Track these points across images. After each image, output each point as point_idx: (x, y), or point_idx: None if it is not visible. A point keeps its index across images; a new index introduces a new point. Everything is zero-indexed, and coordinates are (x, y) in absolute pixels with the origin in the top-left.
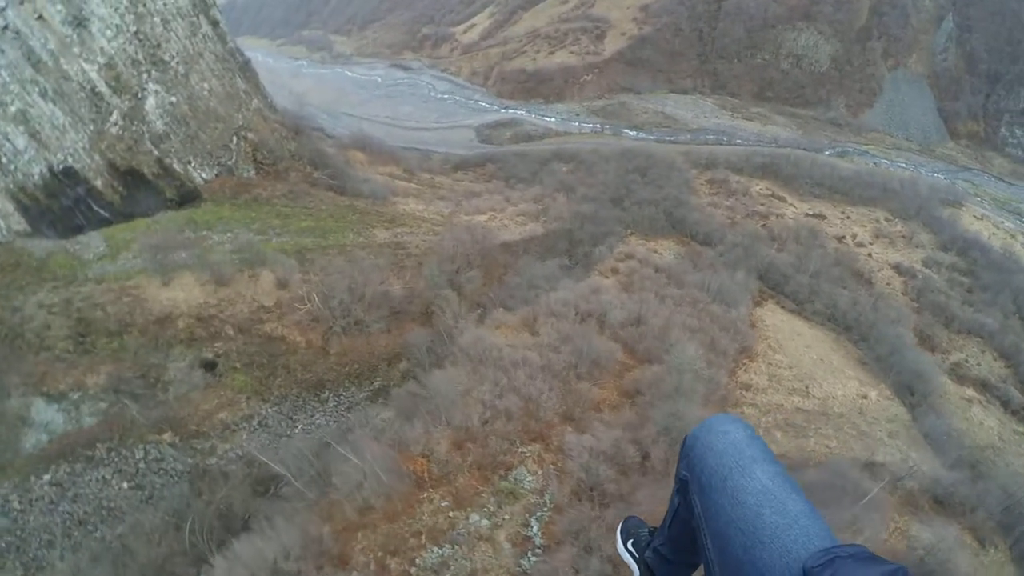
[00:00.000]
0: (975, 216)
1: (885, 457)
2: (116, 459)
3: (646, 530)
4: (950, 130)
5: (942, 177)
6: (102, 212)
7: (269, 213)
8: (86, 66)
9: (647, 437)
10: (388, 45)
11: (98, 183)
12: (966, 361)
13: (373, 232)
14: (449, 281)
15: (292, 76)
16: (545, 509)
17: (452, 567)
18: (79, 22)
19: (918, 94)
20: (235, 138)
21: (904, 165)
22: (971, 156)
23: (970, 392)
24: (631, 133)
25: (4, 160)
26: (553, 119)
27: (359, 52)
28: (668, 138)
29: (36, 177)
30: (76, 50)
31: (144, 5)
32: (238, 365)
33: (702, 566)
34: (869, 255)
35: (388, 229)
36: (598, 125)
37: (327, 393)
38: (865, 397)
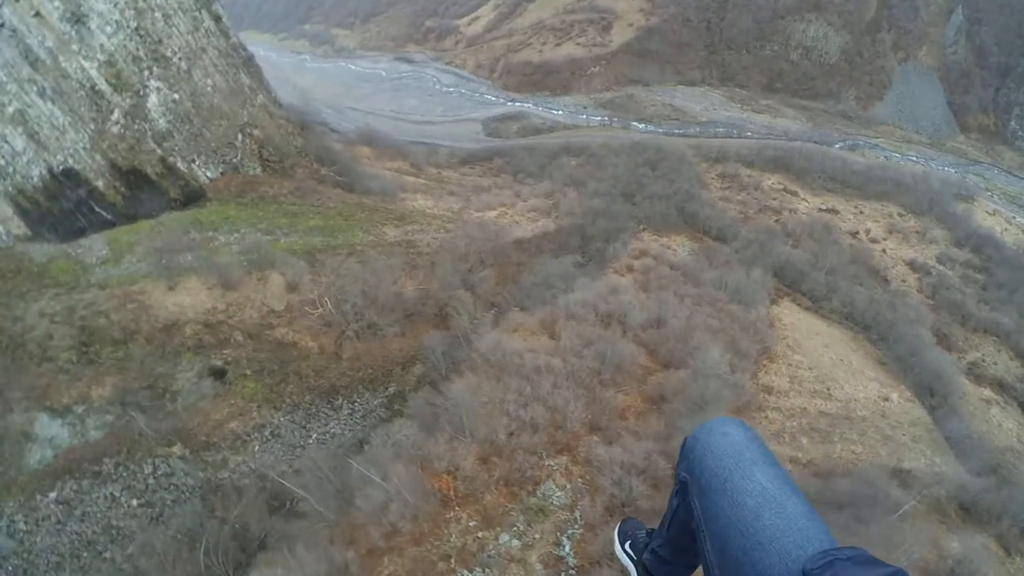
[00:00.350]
0: (987, 212)
1: (911, 463)
2: (124, 474)
3: (644, 532)
4: (960, 123)
5: (953, 171)
6: (104, 214)
7: (276, 212)
8: (85, 64)
9: (678, 449)
10: (391, 38)
11: (100, 184)
12: (982, 360)
13: (383, 230)
14: (463, 281)
15: (295, 71)
16: (576, 527)
17: None
18: (78, 19)
19: (928, 87)
20: (240, 135)
21: (915, 159)
22: (981, 150)
23: (988, 393)
24: (640, 126)
25: (2, 162)
26: (560, 112)
27: (362, 45)
28: (677, 131)
29: (36, 179)
30: (75, 47)
31: (145, 0)
32: (248, 372)
33: (700, 567)
34: (883, 251)
35: (398, 227)
36: (606, 118)
37: (341, 400)
38: (887, 399)
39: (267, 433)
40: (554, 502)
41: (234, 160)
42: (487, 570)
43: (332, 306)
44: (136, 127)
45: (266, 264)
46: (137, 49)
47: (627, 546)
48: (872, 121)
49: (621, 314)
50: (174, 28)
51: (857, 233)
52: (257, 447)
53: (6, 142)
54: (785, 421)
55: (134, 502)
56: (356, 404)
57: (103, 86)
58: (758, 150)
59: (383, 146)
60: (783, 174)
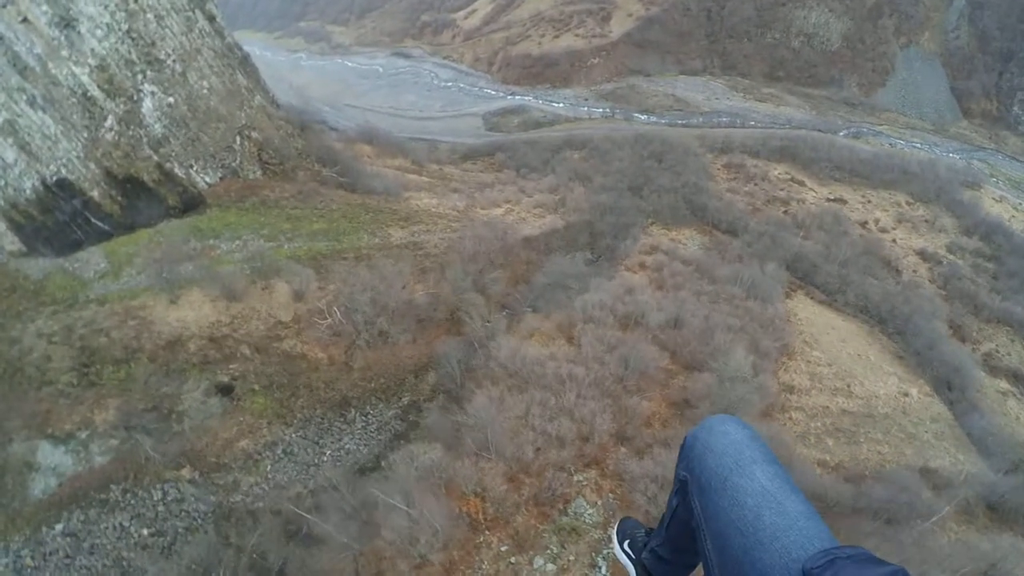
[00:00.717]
0: (994, 199)
1: (937, 462)
2: (133, 502)
3: (643, 531)
4: (963, 109)
5: (957, 157)
6: (101, 225)
7: (279, 216)
8: (76, 70)
9: None
10: (388, 33)
11: (95, 194)
12: (997, 351)
13: (388, 232)
14: (473, 283)
15: (291, 69)
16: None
17: None
18: (67, 23)
19: (930, 73)
20: (238, 138)
21: (919, 145)
22: (985, 135)
23: (1004, 385)
24: (642, 117)
25: None
26: (561, 105)
27: (358, 42)
28: (680, 121)
29: (28, 192)
30: (65, 53)
31: (136, 1)
32: (256, 387)
33: (700, 567)
34: (893, 241)
35: (404, 228)
36: (608, 110)
37: (353, 412)
38: (907, 395)
39: (279, 451)
40: (586, 520)
41: (233, 164)
42: None
43: (341, 315)
44: (131, 133)
45: (270, 272)
46: (129, 52)
47: (626, 545)
48: (875, 108)
49: (639, 315)
50: (167, 29)
51: (866, 223)
52: (269, 466)
53: None
54: (809, 422)
55: (144, 531)
56: (370, 416)
57: (95, 92)
58: (763, 140)
59: (383, 143)
60: (789, 164)
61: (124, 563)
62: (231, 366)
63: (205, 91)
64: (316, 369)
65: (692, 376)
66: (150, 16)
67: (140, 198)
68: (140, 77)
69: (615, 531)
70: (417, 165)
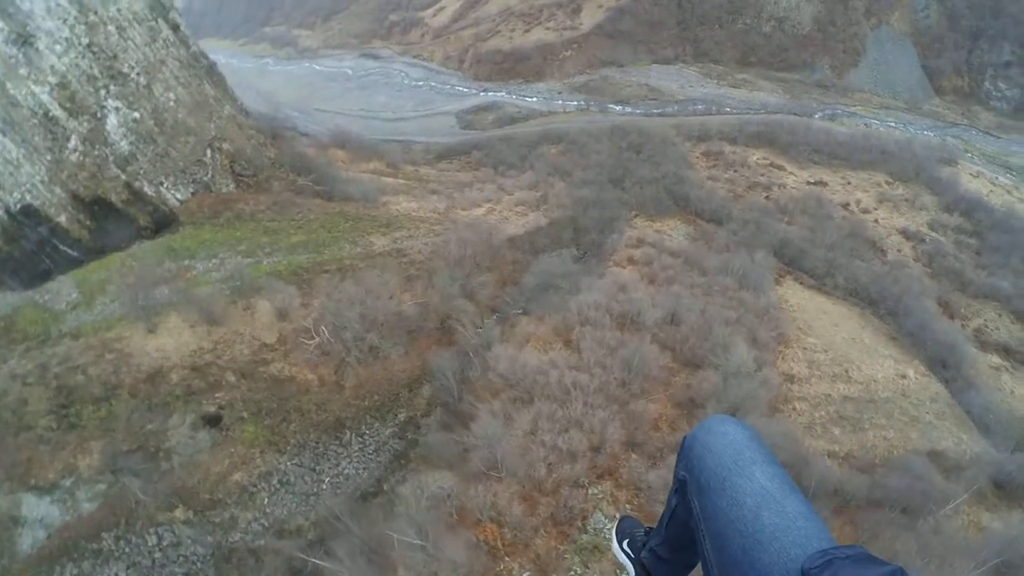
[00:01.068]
0: (971, 174)
1: (942, 444)
2: (127, 549)
3: (642, 530)
4: (935, 87)
5: (932, 135)
6: (70, 251)
7: (255, 230)
8: (36, 88)
9: None
10: (355, 35)
11: (62, 219)
12: (986, 326)
13: (370, 240)
14: (461, 288)
15: (259, 75)
16: None
17: None
18: (24, 40)
19: (902, 52)
20: (209, 151)
21: (893, 124)
22: (957, 111)
23: (996, 360)
24: (617, 108)
25: None
26: (535, 99)
27: (326, 44)
28: (656, 111)
29: None
30: (23, 71)
31: (95, 13)
32: (245, 415)
33: (699, 566)
34: (876, 221)
35: (385, 235)
36: (582, 102)
37: (349, 434)
38: (904, 376)
39: (275, 482)
40: (606, 535)
41: (205, 178)
42: None
43: (329, 333)
44: (96, 153)
45: (251, 291)
46: (91, 67)
47: (625, 544)
48: (848, 89)
49: (635, 313)
50: (129, 41)
51: (848, 204)
52: (266, 499)
53: None
54: (813, 411)
55: None
56: (366, 437)
57: (57, 111)
58: (739, 126)
59: (357, 147)
60: (768, 149)
61: None
62: (217, 395)
63: (172, 103)
64: (306, 391)
65: (694, 373)
66: (111, 28)
67: (109, 220)
68: (103, 93)
69: (614, 530)
70: (393, 167)
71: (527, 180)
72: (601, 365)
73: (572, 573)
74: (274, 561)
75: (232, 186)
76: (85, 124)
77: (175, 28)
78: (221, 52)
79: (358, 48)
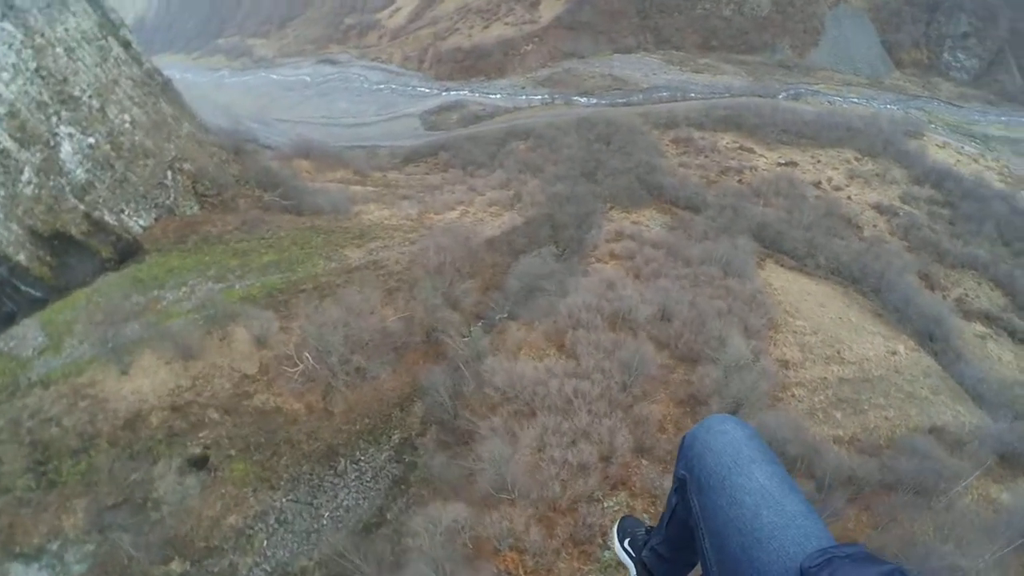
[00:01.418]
0: (938, 145)
1: (942, 419)
2: None
3: (643, 529)
4: (895, 60)
5: (896, 108)
6: (32, 291)
7: (224, 253)
8: None
9: None
10: (311, 41)
11: (21, 258)
12: (966, 295)
13: (344, 253)
14: (444, 298)
15: (215, 88)
16: None
17: None
18: None
19: (860, 28)
20: (170, 172)
21: (857, 100)
22: (919, 84)
23: (980, 328)
24: (582, 100)
25: None
26: (499, 96)
27: (282, 52)
28: (621, 100)
29: None
30: None
31: (42, 35)
32: (233, 452)
33: (699, 565)
34: (849, 198)
35: (360, 247)
36: (547, 96)
37: (343, 462)
38: (895, 353)
39: (271, 521)
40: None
41: (167, 202)
42: None
43: (312, 358)
44: (51, 184)
45: (225, 319)
46: (40, 93)
47: (626, 543)
48: (810, 68)
49: (626, 311)
50: (79, 63)
51: (820, 183)
52: (265, 541)
53: None
54: (812, 397)
55: None
56: (362, 463)
57: (7, 143)
58: (706, 111)
59: (321, 156)
60: (736, 132)
61: None
62: (201, 435)
63: (128, 125)
64: (294, 421)
65: (692, 369)
66: (59, 50)
67: (71, 255)
68: (55, 119)
69: (615, 529)
70: (360, 175)
71: (498, 179)
72: (600, 370)
73: None
74: None
75: (196, 208)
76: (38, 154)
77: (126, 46)
78: (175, 67)
79: (315, 54)
